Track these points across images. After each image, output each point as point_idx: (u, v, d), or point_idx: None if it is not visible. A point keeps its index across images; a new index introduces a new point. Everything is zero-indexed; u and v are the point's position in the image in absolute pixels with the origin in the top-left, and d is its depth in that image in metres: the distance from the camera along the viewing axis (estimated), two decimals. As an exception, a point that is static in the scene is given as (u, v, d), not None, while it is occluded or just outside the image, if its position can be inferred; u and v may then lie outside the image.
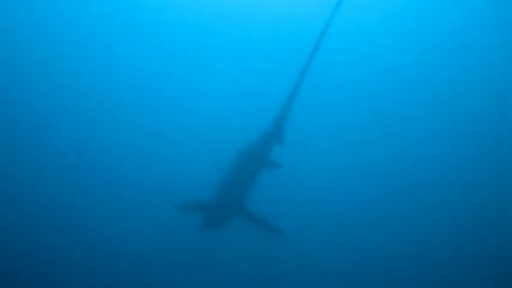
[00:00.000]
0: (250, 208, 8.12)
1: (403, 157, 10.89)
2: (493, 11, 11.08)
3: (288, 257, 9.75)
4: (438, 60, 11.41)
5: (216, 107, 11.24)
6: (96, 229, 9.95)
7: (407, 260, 9.87)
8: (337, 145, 10.90)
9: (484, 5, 11.06)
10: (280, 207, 9.29)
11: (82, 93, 11.23)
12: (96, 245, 9.87)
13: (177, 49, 11.70)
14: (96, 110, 11.13)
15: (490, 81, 11.17)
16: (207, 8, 11.61)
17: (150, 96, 11.38)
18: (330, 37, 7.80)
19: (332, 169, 10.64)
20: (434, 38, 11.46)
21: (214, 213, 8.27)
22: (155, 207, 9.93)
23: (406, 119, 11.20)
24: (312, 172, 10.50)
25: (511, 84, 11.04)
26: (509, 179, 10.50)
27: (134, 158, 10.79)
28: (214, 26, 11.67)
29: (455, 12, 11.21)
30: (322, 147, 10.81)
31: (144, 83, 11.48)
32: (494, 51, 11.21)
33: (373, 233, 10.14)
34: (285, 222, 8.41)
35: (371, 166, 10.79)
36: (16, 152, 10.60)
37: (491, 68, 11.21)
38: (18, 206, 10.07)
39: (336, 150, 10.85)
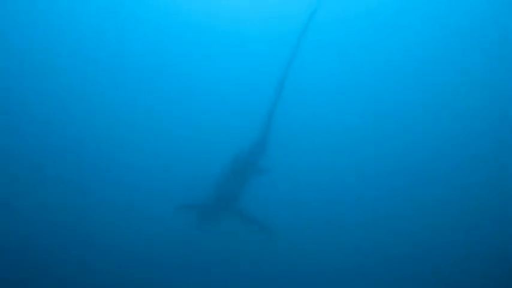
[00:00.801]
0: (243, 208, 8.23)
1: (397, 156, 10.88)
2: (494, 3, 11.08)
3: (284, 257, 9.75)
4: (433, 57, 11.39)
5: (215, 106, 11.27)
6: (95, 229, 9.96)
7: (404, 260, 9.85)
8: (329, 144, 10.91)
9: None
10: (275, 207, 9.34)
11: (82, 93, 11.28)
12: (95, 245, 9.87)
13: (176, 49, 11.76)
14: (95, 110, 11.19)
15: (489, 75, 11.15)
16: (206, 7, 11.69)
17: (149, 96, 11.42)
18: (318, 32, 7.82)
19: (324, 169, 10.64)
20: (429, 34, 11.45)
21: (210, 212, 8.42)
22: (154, 207, 9.97)
23: (401, 117, 11.19)
24: (304, 172, 10.51)
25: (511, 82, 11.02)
26: (509, 179, 10.47)
27: (134, 158, 10.82)
28: (211, 25, 11.72)
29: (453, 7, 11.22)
30: (314, 146, 10.82)
31: (143, 84, 11.53)
32: (494, 43, 11.19)
33: (370, 233, 10.12)
34: (280, 222, 8.46)
35: (366, 165, 10.79)
36: (16, 152, 10.65)
37: (491, 60, 11.19)
38: (18, 206, 10.10)
39: (327, 149, 10.86)
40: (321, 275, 9.78)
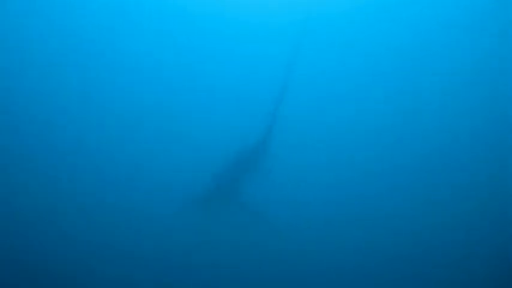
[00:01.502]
0: (244, 206, 8.25)
1: (397, 155, 10.86)
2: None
3: (284, 257, 9.75)
4: (433, 52, 11.36)
5: (216, 103, 11.24)
6: (96, 229, 9.96)
7: (403, 261, 9.84)
8: (331, 143, 10.88)
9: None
10: (275, 206, 9.33)
11: (82, 92, 11.26)
12: (97, 245, 9.87)
13: (175, 49, 11.73)
14: (95, 108, 11.16)
15: (490, 73, 11.11)
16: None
17: (149, 93, 11.40)
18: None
19: (326, 168, 10.62)
20: (430, 27, 11.41)
21: (211, 209, 8.46)
22: (155, 206, 9.97)
23: (403, 117, 11.16)
24: (306, 171, 10.49)
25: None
26: (509, 179, 10.45)
27: (135, 157, 10.81)
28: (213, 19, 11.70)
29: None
30: (316, 145, 10.80)
31: (142, 80, 11.50)
32: (494, 43, 11.16)
33: (370, 232, 10.11)
34: (280, 222, 8.44)
35: (367, 165, 10.77)
36: (16, 152, 10.63)
37: (492, 59, 11.15)
38: (19, 207, 10.10)
39: (329, 148, 10.84)
40: (321, 274, 9.78)
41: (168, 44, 11.73)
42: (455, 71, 11.29)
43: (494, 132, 10.83)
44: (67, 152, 10.72)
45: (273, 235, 9.06)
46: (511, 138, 10.72)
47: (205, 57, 11.66)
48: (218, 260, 9.63)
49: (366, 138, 11.02)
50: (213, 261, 9.66)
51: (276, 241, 9.43)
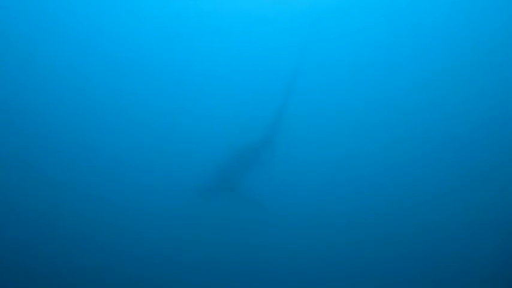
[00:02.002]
0: (246, 199, 8.27)
1: (397, 154, 10.87)
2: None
3: (286, 252, 9.75)
4: (434, 50, 11.37)
5: (220, 101, 11.26)
6: (99, 229, 9.97)
7: (402, 261, 9.85)
8: (333, 140, 10.89)
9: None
10: (277, 204, 9.35)
11: (83, 91, 11.28)
12: (99, 245, 9.87)
13: (182, 46, 11.75)
14: (97, 106, 11.18)
15: (490, 67, 11.11)
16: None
17: (151, 89, 11.42)
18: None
19: (329, 166, 10.64)
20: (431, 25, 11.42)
21: (213, 202, 8.50)
22: (156, 205, 10.00)
23: (402, 113, 11.17)
24: (309, 166, 10.49)
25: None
26: (509, 179, 10.46)
27: (137, 155, 10.82)
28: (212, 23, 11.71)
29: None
30: (319, 141, 10.81)
31: (149, 81, 11.53)
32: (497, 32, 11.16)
33: (372, 232, 10.11)
34: (281, 221, 8.45)
35: (369, 164, 10.78)
36: (16, 152, 10.65)
37: (493, 53, 11.16)
38: (20, 207, 10.11)
39: (332, 144, 10.84)
40: (322, 272, 9.78)
41: (175, 40, 11.74)
42: (457, 69, 11.30)
43: (495, 132, 10.84)
44: (68, 150, 10.74)
45: (275, 230, 9.05)
46: (511, 138, 10.73)
47: (211, 54, 11.68)
48: (220, 255, 9.64)
49: (367, 138, 11.03)
50: (215, 256, 9.66)
51: (279, 236, 9.42)
